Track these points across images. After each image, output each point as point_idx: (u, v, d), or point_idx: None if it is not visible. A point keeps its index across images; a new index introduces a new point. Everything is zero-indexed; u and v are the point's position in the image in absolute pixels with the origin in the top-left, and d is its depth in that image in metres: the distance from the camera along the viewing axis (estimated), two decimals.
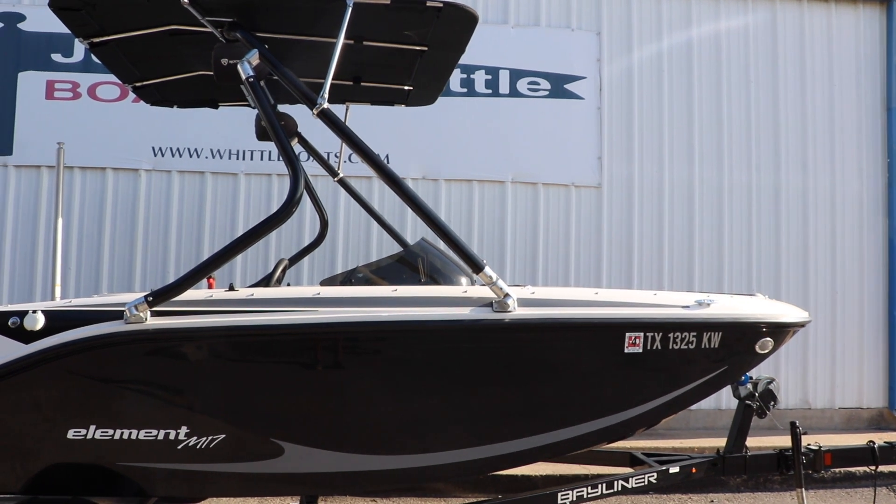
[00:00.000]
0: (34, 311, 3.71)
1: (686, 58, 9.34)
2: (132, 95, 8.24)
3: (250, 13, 4.11)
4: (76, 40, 8.12)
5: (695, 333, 4.12)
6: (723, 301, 4.39)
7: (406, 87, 5.62)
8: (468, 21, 4.37)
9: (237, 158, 8.62)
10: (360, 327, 3.76)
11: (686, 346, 4.12)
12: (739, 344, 4.31)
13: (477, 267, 3.84)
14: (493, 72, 8.97)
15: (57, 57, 8.66)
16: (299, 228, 8.45)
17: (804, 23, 9.60)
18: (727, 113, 9.35)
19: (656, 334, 4.06)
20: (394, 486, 5.91)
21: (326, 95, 3.86)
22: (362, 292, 4.10)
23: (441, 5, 4.11)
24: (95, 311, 3.75)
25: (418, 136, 8.63)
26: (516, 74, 9.01)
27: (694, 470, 4.89)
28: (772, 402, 5.07)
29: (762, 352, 4.37)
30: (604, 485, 4.54)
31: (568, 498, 4.43)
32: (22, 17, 8.64)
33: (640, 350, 4.05)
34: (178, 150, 8.59)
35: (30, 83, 8.62)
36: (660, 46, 9.31)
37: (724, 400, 8.60)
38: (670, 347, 4.10)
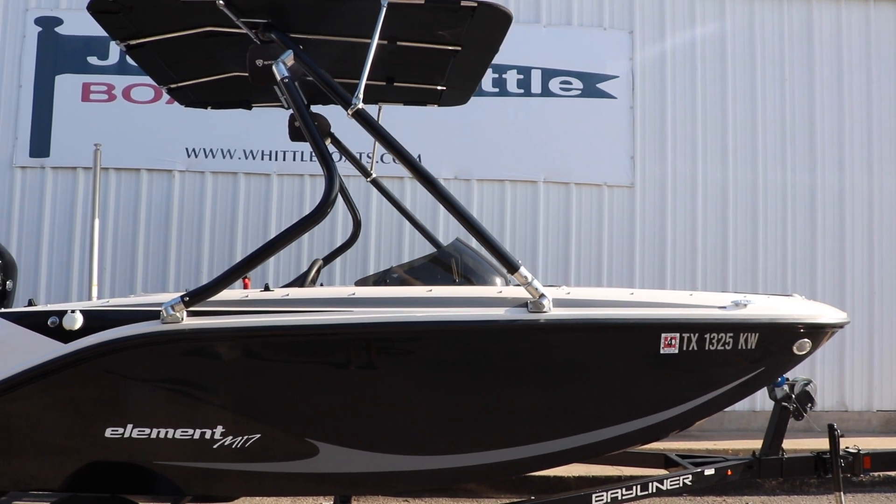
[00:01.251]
0: (73, 311, 3.74)
1: (719, 56, 9.24)
2: (166, 97, 8.37)
3: (285, 14, 4.13)
4: (112, 43, 8.33)
5: (731, 334, 4.07)
6: (760, 302, 4.33)
7: (439, 88, 5.63)
8: (502, 20, 4.35)
9: (270, 159, 8.68)
10: (395, 328, 3.75)
11: (722, 348, 4.07)
12: (777, 345, 4.25)
13: (512, 267, 3.82)
14: (525, 71, 8.94)
15: (93, 60, 8.78)
16: (332, 229, 8.48)
17: (841, 20, 9.44)
18: (762, 111, 9.23)
19: (692, 335, 4.01)
20: (427, 487, 5.90)
21: (361, 96, 3.87)
22: (397, 292, 4.10)
23: (475, 5, 4.10)
24: (132, 310, 3.78)
25: (450, 136, 8.63)
26: (548, 74, 8.98)
27: (729, 472, 4.83)
28: (809, 404, 4.99)
29: (800, 353, 4.30)
30: (638, 486, 4.50)
31: (602, 499, 4.40)
32: (59, 21, 8.76)
33: (676, 351, 4.00)
34: (211, 150, 8.66)
35: (66, 86, 8.75)
36: (693, 45, 9.22)
37: (759, 402, 8.47)
38: (706, 348, 4.05)
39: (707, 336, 4.04)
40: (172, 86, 5.56)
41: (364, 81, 3.92)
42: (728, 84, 9.22)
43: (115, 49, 8.68)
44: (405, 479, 4.05)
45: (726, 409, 4.76)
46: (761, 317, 4.17)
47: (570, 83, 9.00)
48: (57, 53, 8.77)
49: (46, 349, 3.71)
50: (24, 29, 8.76)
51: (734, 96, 9.21)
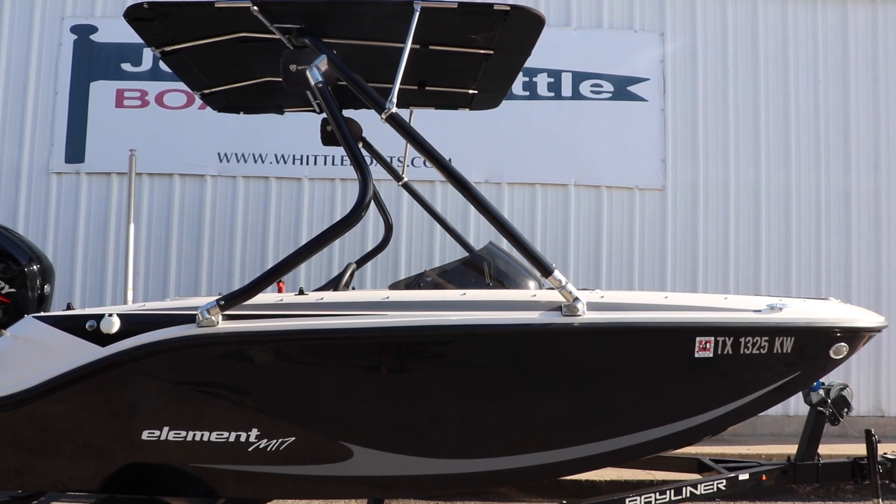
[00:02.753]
0: (110, 315, 3.79)
1: (752, 58, 9.15)
2: (198, 102, 8.51)
3: (318, 19, 4.17)
4: (145, 49, 8.45)
5: (767, 338, 4.02)
6: (795, 305, 4.27)
7: (470, 91, 5.63)
8: (535, 24, 4.35)
9: (301, 163, 8.73)
10: (429, 331, 3.76)
11: (758, 352, 4.02)
12: (813, 349, 4.19)
13: (546, 270, 3.82)
14: (556, 74, 8.93)
15: (126, 66, 8.89)
16: (362, 232, 8.52)
17: (877, 20, 9.30)
18: (794, 114, 9.12)
19: (727, 339, 3.97)
20: (459, 491, 5.89)
21: (395, 99, 3.89)
22: (431, 296, 4.10)
23: (508, 8, 4.10)
24: (168, 314, 3.83)
25: (481, 139, 8.62)
26: (579, 77, 8.95)
27: (764, 477, 4.78)
28: (845, 409, 4.93)
29: (836, 357, 4.24)
30: (672, 491, 4.46)
31: (636, 503, 4.37)
32: (94, 29, 8.89)
33: (711, 355, 3.96)
34: (242, 155, 8.74)
35: (101, 92, 8.88)
36: (725, 47, 9.14)
37: (793, 406, 8.37)
38: (741, 352, 4.00)
39: (742, 340, 3.99)
40: (206, 91, 5.60)
41: (398, 85, 3.93)
42: (760, 85, 9.12)
43: (147, 55, 8.80)
44: (438, 483, 4.06)
45: (759, 414, 4.70)
46: (797, 320, 4.11)
47: (600, 86, 8.97)
48: (92, 61, 8.90)
49: (85, 352, 3.77)
50: (61, 37, 8.91)
51: (767, 98, 9.12)
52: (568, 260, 8.69)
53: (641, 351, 3.96)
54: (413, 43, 4.06)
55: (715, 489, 4.61)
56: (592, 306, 3.87)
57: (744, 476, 4.71)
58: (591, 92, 8.96)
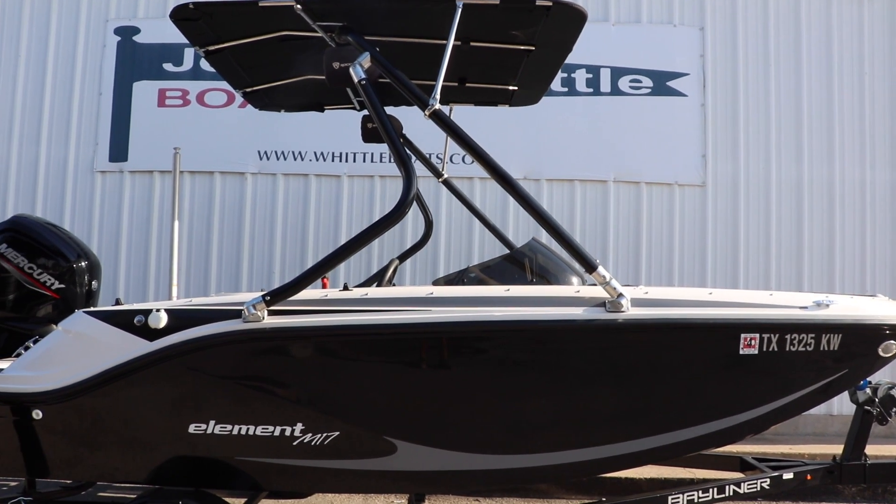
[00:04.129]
0: (157, 310, 3.85)
1: (794, 51, 9.01)
2: (238, 101, 8.62)
3: (360, 17, 4.18)
4: (186, 50, 8.56)
5: (813, 335, 3.95)
6: (843, 302, 4.19)
7: (511, 88, 5.62)
8: (577, 19, 4.33)
9: (340, 161, 8.78)
10: (474, 327, 3.76)
11: (804, 349, 3.96)
12: (861, 347, 4.11)
13: (590, 266, 3.80)
14: (594, 70, 8.87)
15: (168, 66, 9.02)
16: (401, 229, 8.50)
17: None
18: (839, 107, 8.95)
19: (773, 336, 3.91)
20: (500, 486, 5.91)
21: (438, 96, 3.90)
22: (475, 292, 4.11)
23: (550, 4, 4.08)
24: (214, 309, 3.87)
25: (519, 136, 8.58)
26: (618, 72, 8.89)
27: (809, 477, 4.70)
28: (893, 409, 4.84)
29: (885, 355, 4.16)
30: (715, 489, 4.41)
31: (678, 501, 4.33)
32: (137, 31, 9.03)
33: (756, 352, 3.90)
34: (282, 153, 8.81)
35: (143, 92, 9.02)
36: (766, 40, 9.00)
37: (836, 405, 8.24)
38: (787, 350, 3.94)
39: (788, 337, 3.93)
40: (248, 89, 5.66)
41: (441, 82, 3.94)
42: (803, 79, 8.97)
43: (189, 55, 8.92)
44: (480, 478, 4.06)
45: (802, 413, 4.64)
46: (845, 317, 4.04)
47: (639, 81, 8.90)
48: (134, 61, 9.04)
49: (133, 346, 3.83)
50: (105, 39, 9.06)
51: (810, 92, 8.96)
52: (607, 257, 8.63)
53: (685, 348, 3.92)
54: (454, 39, 4.06)
55: (759, 488, 4.55)
56: (636, 302, 3.84)
57: (788, 475, 4.63)
58: (630, 87, 8.89)
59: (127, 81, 9.04)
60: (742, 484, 4.51)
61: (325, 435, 3.83)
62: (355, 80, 3.99)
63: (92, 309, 4.11)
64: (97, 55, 9.06)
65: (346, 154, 8.78)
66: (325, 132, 8.56)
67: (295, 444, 3.84)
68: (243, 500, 4.47)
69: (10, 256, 4.78)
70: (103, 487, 6.03)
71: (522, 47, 4.80)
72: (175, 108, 8.98)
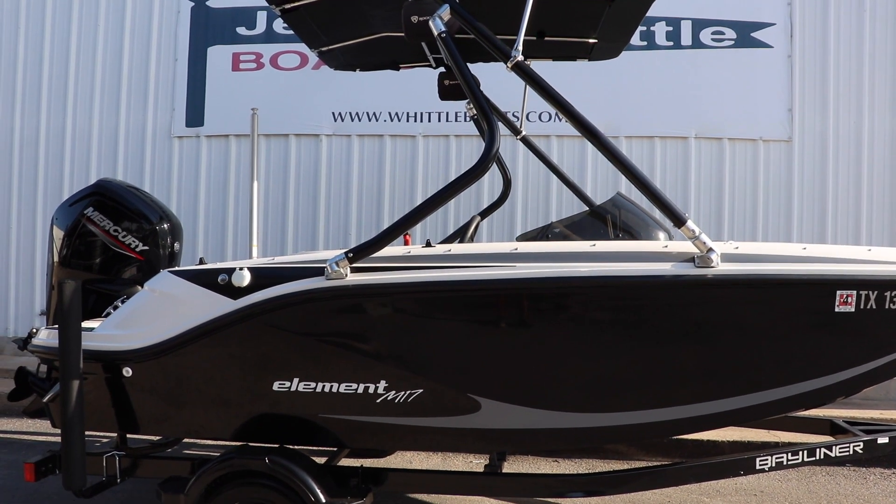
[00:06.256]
0: (241, 268, 3.86)
1: None
2: (312, 63, 8.64)
3: None
4: (258, 13, 8.59)
5: None
6: None
7: (590, 41, 5.42)
8: None
9: (415, 121, 8.74)
10: (560, 283, 3.65)
11: None
12: None
13: (679, 220, 3.65)
14: (675, 23, 8.57)
15: (241, 30, 9.07)
16: (478, 188, 8.46)
17: None
18: None
19: (871, 293, 3.70)
20: (581, 445, 5.83)
21: (521, 47, 3.78)
22: (560, 247, 4.00)
23: None
24: (297, 267, 3.85)
25: (597, 92, 8.36)
26: (699, 24, 8.56)
27: None
28: None
29: None
30: (805, 452, 4.24)
31: (767, 463, 4.18)
32: None
33: (853, 310, 3.70)
34: (356, 114, 8.81)
35: (218, 57, 9.12)
36: None
37: None
38: (886, 307, 3.73)
39: (888, 294, 3.72)
40: (323, 49, 5.61)
41: (523, 33, 3.82)
42: None
43: (262, 19, 8.96)
44: (562, 437, 3.97)
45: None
46: None
47: (722, 33, 8.56)
48: (208, 26, 9.13)
49: (218, 305, 3.85)
50: (178, 5, 9.18)
51: None
52: (689, 215, 8.38)
53: (778, 304, 3.75)
54: None
55: (851, 452, 4.35)
56: (727, 258, 3.68)
57: (883, 440, 4.41)
58: (712, 40, 8.57)
59: (201, 46, 9.14)
60: (834, 447, 4.31)
61: (408, 392, 3.80)
62: (435, 33, 3.89)
63: (176, 269, 4.15)
64: (172, 21, 9.18)
65: (421, 114, 8.73)
66: (399, 92, 8.53)
67: (378, 401, 3.83)
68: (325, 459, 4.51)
69: (96, 220, 4.86)
70: (189, 445, 6.20)
71: None
72: (249, 72, 9.05)
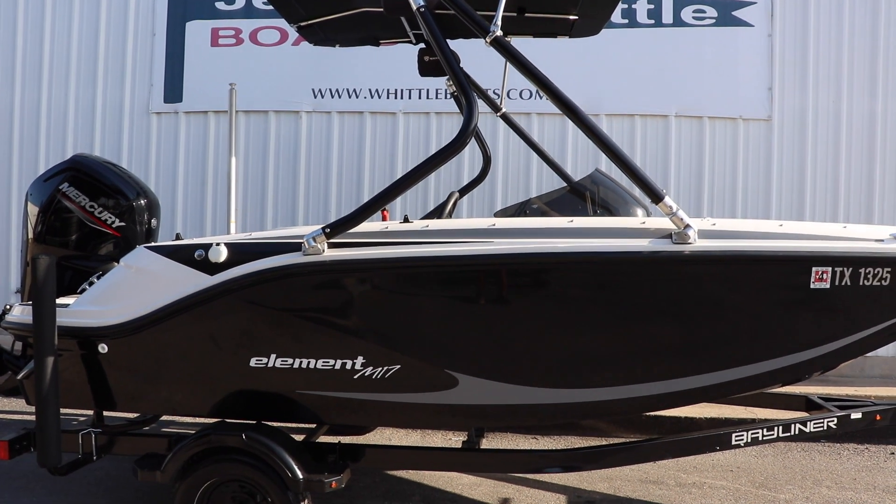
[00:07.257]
0: (217, 244, 3.85)
1: None
2: (292, 39, 8.55)
3: None
4: None
5: (889, 269, 3.77)
6: None
7: (571, 17, 5.39)
8: None
9: (396, 98, 8.68)
10: (537, 258, 3.66)
11: (878, 284, 3.78)
12: None
13: (657, 196, 3.66)
14: (656, 0, 8.55)
15: (220, 5, 8.96)
16: (458, 165, 8.46)
17: None
18: None
19: (846, 269, 3.74)
20: (559, 421, 5.85)
21: (500, 23, 3.75)
22: (538, 223, 3.99)
23: None
24: (274, 243, 3.84)
25: (578, 69, 8.33)
26: (680, 2, 8.51)
27: (878, 417, 4.56)
28: None
29: None
30: (780, 427, 4.31)
31: (742, 439, 4.25)
32: None
33: (828, 286, 3.74)
34: (337, 91, 8.73)
35: (196, 32, 8.99)
36: None
37: None
38: (861, 284, 3.77)
39: (862, 271, 3.76)
40: (302, 24, 5.54)
41: (501, 9, 3.80)
42: (881, 7, 8.48)
43: None
44: (539, 413, 4.00)
45: (868, 354, 4.47)
46: None
47: (703, 11, 8.52)
48: (187, 0, 8.97)
49: (194, 281, 3.84)
50: None
51: (887, 21, 8.47)
52: (668, 193, 8.40)
53: (754, 281, 3.77)
54: None
55: (825, 427, 4.42)
56: (704, 234, 3.71)
57: (856, 415, 4.50)
58: (694, 18, 8.54)
59: (180, 21, 9.01)
60: (808, 423, 4.39)
61: (385, 368, 3.81)
62: (414, 8, 3.86)
63: (153, 244, 4.12)
64: None
65: (402, 91, 8.66)
66: (379, 69, 8.49)
67: (356, 377, 3.84)
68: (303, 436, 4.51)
69: (71, 195, 4.81)
70: (167, 423, 6.18)
71: None
72: (228, 48, 8.95)
